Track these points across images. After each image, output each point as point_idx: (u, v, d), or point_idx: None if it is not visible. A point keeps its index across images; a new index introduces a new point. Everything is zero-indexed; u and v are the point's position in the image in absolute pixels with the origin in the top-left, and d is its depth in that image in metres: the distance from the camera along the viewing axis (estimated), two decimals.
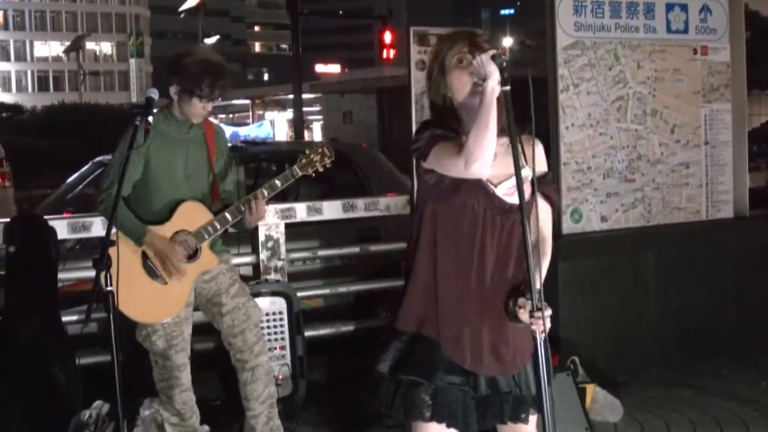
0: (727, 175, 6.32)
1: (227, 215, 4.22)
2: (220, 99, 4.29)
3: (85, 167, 7.12)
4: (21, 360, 4.56)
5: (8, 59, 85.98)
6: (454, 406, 2.85)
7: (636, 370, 5.79)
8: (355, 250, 6.15)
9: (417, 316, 2.91)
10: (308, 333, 5.40)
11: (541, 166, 2.92)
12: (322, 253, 6.28)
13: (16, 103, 49.45)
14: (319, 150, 4.32)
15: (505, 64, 2.72)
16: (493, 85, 2.71)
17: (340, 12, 69.52)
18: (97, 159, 7.13)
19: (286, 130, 50.98)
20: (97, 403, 4.58)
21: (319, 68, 51.96)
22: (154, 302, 4.19)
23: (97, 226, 5.09)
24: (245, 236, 5.85)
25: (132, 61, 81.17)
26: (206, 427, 4.62)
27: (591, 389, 5.02)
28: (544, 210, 2.94)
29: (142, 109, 3.72)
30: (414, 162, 2.97)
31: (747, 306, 6.28)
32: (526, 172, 2.81)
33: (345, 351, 5.82)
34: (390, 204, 5.93)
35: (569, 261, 5.47)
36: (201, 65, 4.15)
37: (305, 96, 31.49)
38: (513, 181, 2.82)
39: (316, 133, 51.71)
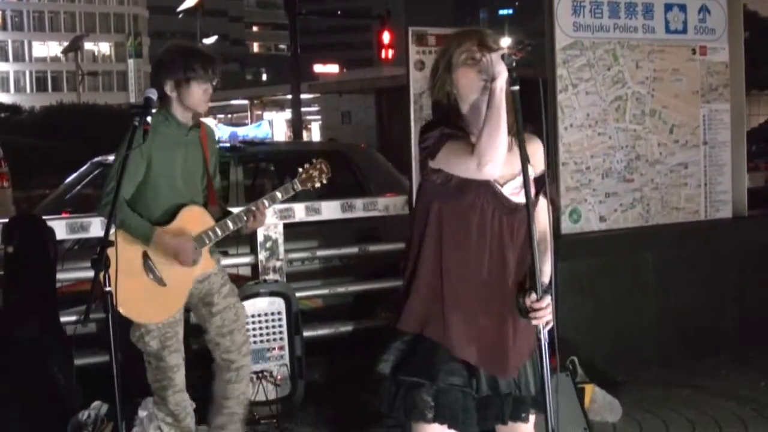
0: (725, 175, 6.32)
1: (229, 223, 4.24)
2: (216, 81, 4.29)
3: (84, 167, 7.11)
4: (20, 360, 4.56)
5: (6, 59, 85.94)
6: (455, 408, 2.84)
7: (635, 370, 5.80)
8: (354, 250, 6.15)
9: (419, 317, 2.90)
10: (307, 333, 5.39)
11: (541, 164, 2.92)
12: (320, 253, 6.28)
13: (14, 104, 49.40)
14: (318, 166, 4.37)
15: (514, 63, 2.71)
16: (502, 85, 2.70)
17: (339, 12, 69.52)
18: (96, 159, 7.13)
19: (285, 131, 50.97)
20: (96, 403, 4.58)
21: (318, 68, 51.94)
22: (153, 302, 4.19)
23: (95, 227, 5.09)
24: (244, 236, 5.85)
25: (130, 61, 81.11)
26: (204, 427, 4.62)
27: (590, 389, 5.02)
28: (544, 209, 2.94)
29: (141, 109, 3.72)
30: (420, 161, 2.95)
31: (746, 306, 6.28)
32: (532, 172, 2.81)
33: (344, 351, 5.82)
34: (389, 204, 5.93)
35: (568, 261, 5.47)
36: (181, 52, 4.19)
37: (303, 96, 31.48)
38: (519, 181, 2.82)
39: (314, 133, 51.70)
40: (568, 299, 5.52)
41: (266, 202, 4.27)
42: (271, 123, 48.17)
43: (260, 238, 5.49)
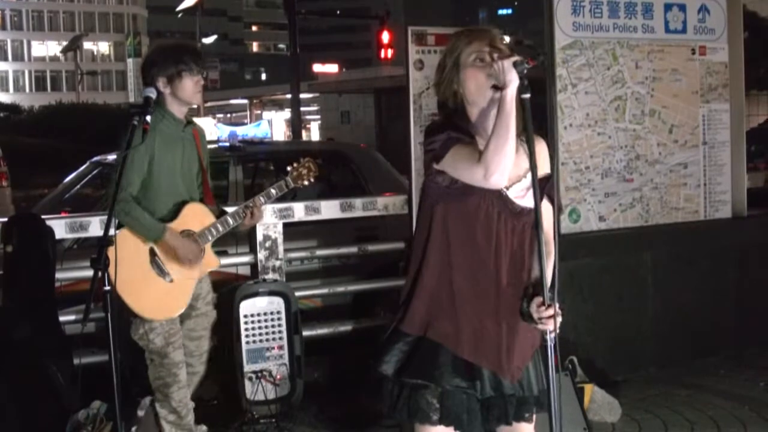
0: (725, 175, 6.32)
1: (229, 219, 4.34)
2: (205, 73, 4.41)
3: (83, 167, 7.11)
4: (19, 360, 4.55)
5: (5, 59, 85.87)
6: (459, 409, 2.83)
7: (634, 370, 5.80)
8: (353, 249, 6.14)
9: (423, 320, 2.88)
10: (306, 333, 5.39)
11: (545, 167, 2.90)
12: (320, 252, 6.28)
13: (13, 103, 49.43)
14: (306, 164, 4.51)
15: (525, 71, 2.68)
16: (513, 94, 2.67)
17: (338, 12, 69.43)
18: (95, 159, 7.13)
19: (284, 130, 50.97)
20: (95, 403, 4.57)
21: (317, 68, 51.89)
22: (161, 299, 4.24)
23: (94, 226, 5.09)
24: (244, 236, 5.86)
25: (129, 60, 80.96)
26: (204, 427, 4.62)
27: (589, 389, 5.02)
28: (548, 211, 2.92)
29: (140, 108, 3.74)
30: (424, 162, 2.92)
31: (745, 306, 6.28)
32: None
33: (343, 350, 5.82)
34: (388, 204, 5.93)
35: (567, 261, 5.47)
36: (169, 48, 4.34)
37: (303, 96, 31.48)
38: (524, 183, 2.82)
39: (313, 132, 51.71)
40: (568, 299, 5.52)
41: (262, 199, 4.40)
42: (270, 122, 48.18)
43: (260, 237, 5.49)
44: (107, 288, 3.35)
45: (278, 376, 5.09)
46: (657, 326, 5.96)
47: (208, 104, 52.37)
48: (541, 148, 2.87)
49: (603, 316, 5.73)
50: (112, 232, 3.45)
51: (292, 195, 6.77)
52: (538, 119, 2.79)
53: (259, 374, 5.06)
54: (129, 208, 4.06)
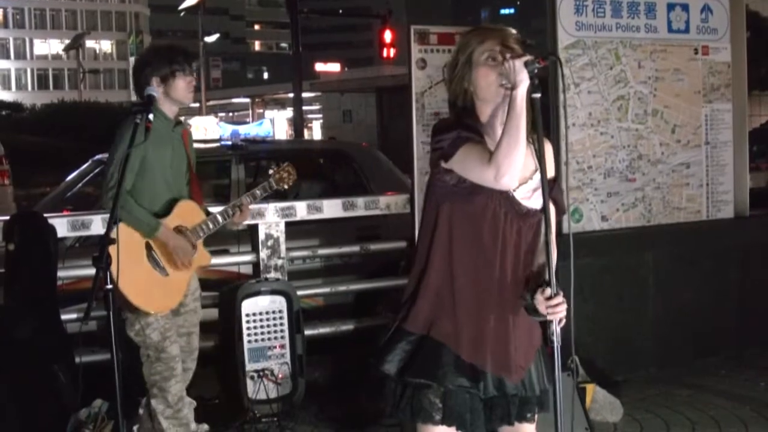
0: (727, 175, 6.31)
1: (219, 217, 4.43)
2: (196, 72, 4.52)
3: (85, 165, 7.11)
4: (20, 358, 4.55)
5: (8, 57, 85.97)
6: (463, 409, 2.82)
7: (635, 370, 5.80)
8: (355, 248, 6.14)
9: (426, 318, 2.87)
10: (308, 332, 5.39)
11: (550, 170, 2.88)
12: (322, 251, 6.28)
13: (15, 101, 49.41)
14: (287, 169, 4.63)
15: (536, 71, 2.67)
16: (524, 94, 2.66)
17: (340, 11, 69.42)
18: (97, 157, 7.12)
19: (286, 129, 50.98)
20: (97, 401, 4.57)
21: (319, 67, 51.87)
22: (158, 292, 4.28)
23: (96, 224, 5.09)
24: (245, 234, 5.86)
25: (132, 59, 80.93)
26: (205, 426, 4.62)
27: (591, 389, 5.02)
28: (552, 214, 2.91)
29: (142, 107, 3.74)
30: (431, 160, 2.89)
31: (747, 306, 6.28)
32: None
33: (344, 350, 5.82)
34: (390, 203, 5.93)
35: (569, 260, 5.45)
36: (163, 49, 4.44)
37: (305, 95, 31.44)
38: (530, 185, 2.82)
39: (315, 131, 51.70)
40: (569, 299, 5.51)
41: (249, 199, 4.52)
42: (272, 121, 48.19)
43: (262, 236, 5.49)
44: (109, 286, 3.36)
45: (280, 375, 5.09)
46: (658, 326, 5.95)
47: (210, 103, 52.40)
48: (547, 149, 2.86)
49: (605, 315, 5.72)
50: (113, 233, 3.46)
51: (295, 194, 6.80)
52: (542, 119, 2.79)
53: (261, 373, 5.06)
54: (123, 201, 4.07)
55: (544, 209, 2.73)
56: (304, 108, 31.89)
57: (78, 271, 5.26)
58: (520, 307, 2.88)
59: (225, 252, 5.99)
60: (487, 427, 2.91)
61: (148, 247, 4.23)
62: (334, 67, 52.35)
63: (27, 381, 4.51)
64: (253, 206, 5.38)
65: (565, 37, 5.64)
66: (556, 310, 2.76)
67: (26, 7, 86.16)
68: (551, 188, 2.83)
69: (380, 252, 6.18)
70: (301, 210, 5.65)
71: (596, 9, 5.75)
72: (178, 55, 4.35)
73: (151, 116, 3.77)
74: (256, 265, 5.58)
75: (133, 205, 4.15)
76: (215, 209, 4.52)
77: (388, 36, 25.65)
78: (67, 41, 72.41)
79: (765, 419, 5.09)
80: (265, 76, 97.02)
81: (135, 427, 4.48)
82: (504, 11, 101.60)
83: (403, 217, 5.85)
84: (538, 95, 2.70)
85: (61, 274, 5.02)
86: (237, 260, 5.88)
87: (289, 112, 47.57)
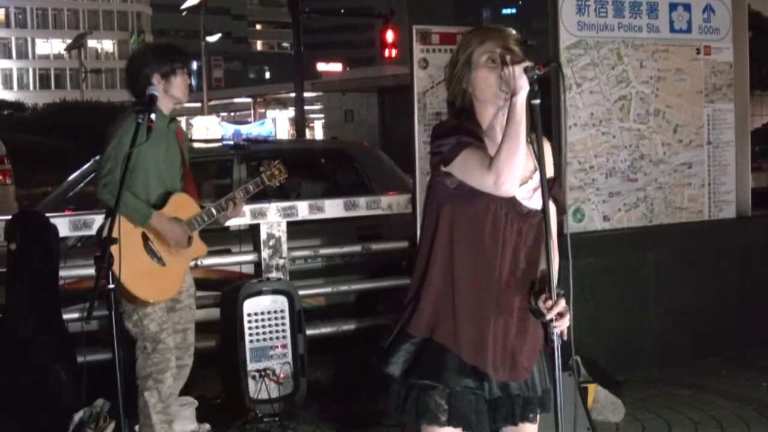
0: (729, 175, 6.31)
1: (213, 210, 4.48)
2: (195, 68, 4.52)
3: (86, 165, 7.11)
4: (22, 357, 4.56)
5: (10, 57, 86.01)
6: (468, 410, 2.81)
7: (637, 370, 5.79)
8: (357, 248, 6.14)
9: (429, 321, 2.86)
10: (309, 331, 5.39)
11: (549, 170, 2.87)
12: (323, 251, 6.28)
13: (17, 101, 49.49)
14: (278, 166, 4.67)
15: (536, 77, 2.65)
16: (523, 100, 2.65)
17: (342, 10, 69.41)
18: (98, 157, 7.11)
19: (288, 129, 50.97)
20: (98, 401, 4.57)
21: (321, 67, 51.90)
22: (155, 282, 4.30)
23: (98, 224, 5.08)
24: (247, 234, 5.86)
25: None
26: (207, 426, 4.62)
27: (593, 389, 5.02)
28: (553, 213, 2.90)
29: (144, 106, 3.76)
30: (431, 163, 2.88)
31: (748, 306, 6.27)
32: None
33: (346, 349, 5.82)
34: (392, 202, 5.93)
35: (569, 260, 5.45)
36: (162, 47, 4.50)
37: (306, 94, 31.46)
38: (530, 185, 2.81)
39: (317, 131, 51.70)
40: (569, 299, 5.50)
41: (242, 194, 4.56)
42: (274, 121, 48.21)
43: (263, 236, 5.49)
44: (111, 286, 3.36)
45: (281, 375, 5.09)
46: (660, 326, 5.95)
47: (212, 103, 52.35)
48: (546, 149, 2.86)
49: (606, 315, 5.72)
50: (113, 231, 3.47)
51: (296, 194, 6.81)
52: (543, 119, 2.78)
53: (263, 373, 5.06)
54: (116, 190, 4.08)
55: (544, 213, 2.72)
56: (306, 108, 31.88)
57: (79, 271, 5.26)
58: (523, 309, 2.87)
59: (227, 252, 5.99)
60: (491, 428, 2.91)
61: (145, 238, 4.26)
62: (335, 66, 52.40)
63: (28, 380, 4.51)
64: (254, 206, 5.42)
65: (566, 37, 5.63)
66: (559, 319, 2.75)
67: (28, 7, 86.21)
68: (551, 187, 2.83)
69: (382, 252, 6.18)
70: (303, 210, 5.65)
71: (598, 9, 5.75)
72: (179, 53, 4.44)
73: (153, 116, 3.78)
74: (257, 264, 5.58)
75: (129, 196, 4.18)
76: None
77: (389, 36, 25.65)
78: (69, 41, 72.37)
79: (766, 419, 5.08)
80: (267, 75, 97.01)
81: (137, 427, 4.47)
82: (505, 11, 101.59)
83: (405, 216, 5.85)
84: (537, 101, 2.69)
85: (62, 273, 5.02)
86: (239, 260, 5.88)
87: (290, 112, 47.55)
